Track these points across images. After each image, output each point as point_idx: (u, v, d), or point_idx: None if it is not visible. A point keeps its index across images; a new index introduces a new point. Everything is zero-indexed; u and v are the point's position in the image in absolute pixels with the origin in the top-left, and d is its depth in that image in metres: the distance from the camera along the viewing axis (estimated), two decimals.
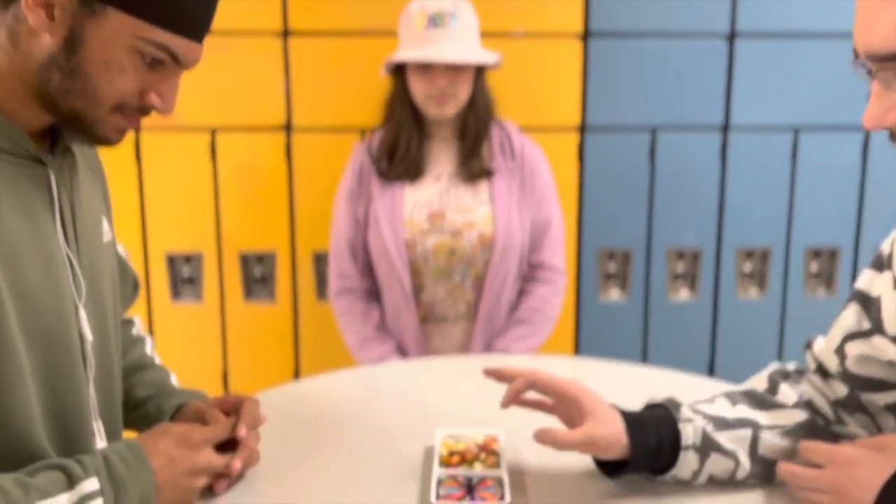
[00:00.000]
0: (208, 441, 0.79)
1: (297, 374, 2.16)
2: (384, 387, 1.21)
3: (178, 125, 2.02)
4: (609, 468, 0.84)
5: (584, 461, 0.90)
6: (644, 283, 2.15)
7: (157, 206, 2.06)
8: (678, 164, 2.07)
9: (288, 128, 2.03)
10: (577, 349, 2.18)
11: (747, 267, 2.16)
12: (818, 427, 0.85)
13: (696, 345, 2.18)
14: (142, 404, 0.92)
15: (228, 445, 0.82)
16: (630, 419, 0.81)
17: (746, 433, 0.82)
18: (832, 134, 2.06)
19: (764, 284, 2.16)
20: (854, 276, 2.13)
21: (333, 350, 2.16)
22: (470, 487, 0.80)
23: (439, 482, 0.82)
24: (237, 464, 0.80)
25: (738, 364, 2.21)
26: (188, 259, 2.12)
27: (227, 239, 2.09)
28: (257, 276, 2.14)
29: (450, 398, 1.14)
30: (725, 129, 2.06)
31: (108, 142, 0.75)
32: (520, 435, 0.97)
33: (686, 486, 0.83)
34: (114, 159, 2.06)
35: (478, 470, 0.84)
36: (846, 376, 0.83)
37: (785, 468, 0.79)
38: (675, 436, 0.81)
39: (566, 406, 0.83)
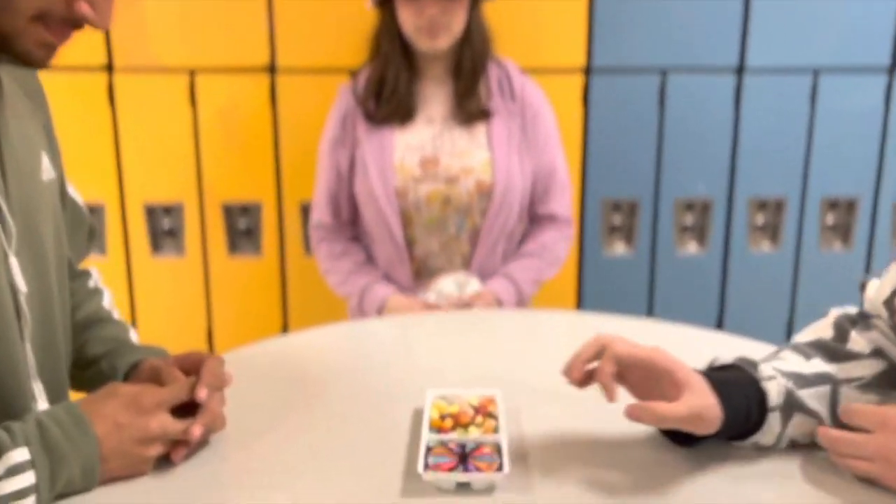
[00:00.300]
0: (162, 404, 0.69)
1: (285, 331, 2.06)
2: (373, 342, 1.11)
3: (155, 66, 1.89)
4: (682, 438, 0.73)
5: (589, 426, 0.80)
6: (651, 235, 2.03)
7: (134, 153, 1.93)
8: (689, 108, 1.95)
9: (272, 69, 1.90)
10: (580, 305, 2.08)
11: (760, 219, 2.04)
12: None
13: (705, 301, 2.08)
14: (95, 362, 0.82)
15: (190, 409, 0.72)
16: (716, 384, 0.70)
17: (826, 390, 0.73)
18: (854, 76, 1.94)
19: (777, 237, 2.05)
20: (873, 229, 2.02)
21: (323, 306, 2.06)
22: (463, 455, 0.70)
23: (428, 449, 0.71)
24: (196, 430, 0.69)
25: (748, 320, 2.12)
26: (168, 210, 2.00)
27: (208, 189, 1.97)
28: (242, 228, 2.03)
29: (443, 356, 1.03)
30: (740, 70, 1.93)
31: (32, 60, 0.63)
32: (520, 396, 0.87)
33: (765, 451, 0.74)
34: (85, 102, 1.94)
35: (472, 435, 0.74)
36: None
37: (825, 433, 0.70)
38: (760, 397, 0.71)
39: (652, 378, 0.72)
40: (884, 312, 0.75)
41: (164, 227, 2.01)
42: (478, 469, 0.68)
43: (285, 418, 0.82)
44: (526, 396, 0.88)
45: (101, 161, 1.93)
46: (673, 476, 0.70)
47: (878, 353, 0.76)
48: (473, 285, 1.42)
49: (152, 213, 1.99)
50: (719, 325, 2.08)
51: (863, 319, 0.78)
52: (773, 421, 0.71)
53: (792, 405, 0.72)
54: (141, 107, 1.91)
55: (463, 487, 0.67)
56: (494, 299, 1.40)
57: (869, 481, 0.68)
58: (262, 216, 2.01)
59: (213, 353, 0.80)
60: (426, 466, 0.68)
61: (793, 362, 0.75)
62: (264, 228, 2.02)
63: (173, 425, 0.69)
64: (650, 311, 2.07)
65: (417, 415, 0.82)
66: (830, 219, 2.05)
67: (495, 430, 0.76)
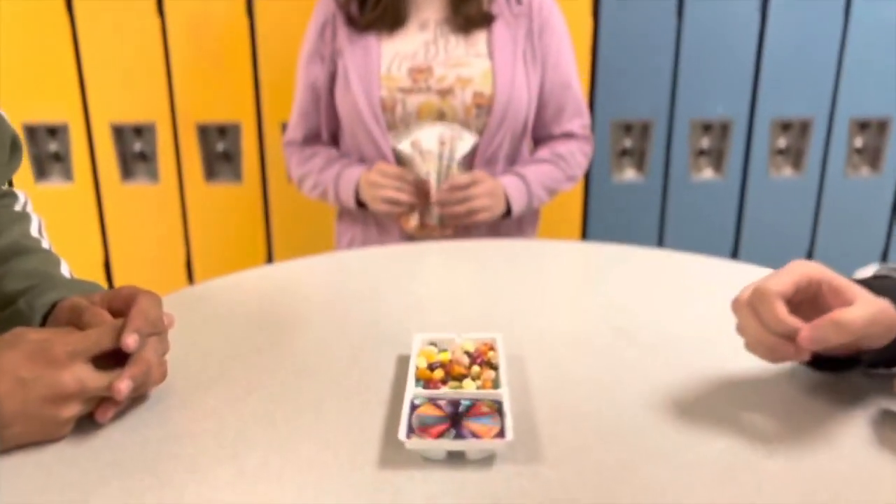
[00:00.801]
0: (78, 352, 0.55)
1: (270, 264, 1.92)
2: (355, 276, 0.97)
3: None
4: (830, 365, 0.62)
5: (606, 376, 0.66)
6: (664, 160, 1.88)
7: (97, 67, 1.75)
8: (710, 20, 1.76)
9: None
10: (585, 235, 1.94)
11: (782, 142, 1.88)
12: None
13: (720, 230, 1.93)
14: (12, 301, 0.68)
15: (123, 359, 0.58)
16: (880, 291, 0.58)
17: None
18: None
19: (800, 161, 1.89)
20: None
21: (309, 235, 1.92)
22: (456, 416, 0.57)
23: (413, 408, 0.58)
24: (122, 385, 0.56)
25: (766, 251, 1.98)
26: (138, 131, 1.84)
27: (181, 108, 1.80)
28: (219, 151, 1.87)
29: (434, 292, 0.90)
30: None
31: None
32: (524, 341, 0.73)
33: None
34: (41, 13, 1.74)
35: (468, 391, 0.61)
36: None
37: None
38: None
39: (811, 301, 0.59)
40: None
41: (134, 150, 1.85)
42: (474, 434, 0.55)
43: (243, 368, 0.69)
44: (530, 341, 0.74)
45: (61, 76, 1.76)
46: (706, 439, 0.56)
47: None
48: (465, 143, 1.24)
49: (121, 133, 1.83)
50: (734, 255, 1.95)
51: None
52: None
53: None
54: (103, 17, 1.73)
55: (455, 457, 0.54)
56: (499, 187, 1.25)
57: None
58: (242, 138, 1.84)
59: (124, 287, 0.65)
60: (410, 431, 0.55)
61: None
62: (244, 152, 1.86)
63: (94, 380, 0.55)
64: (660, 242, 1.93)
65: (402, 363, 0.69)
66: (859, 141, 1.89)
67: (495, 383, 0.62)
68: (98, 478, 0.52)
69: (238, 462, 0.54)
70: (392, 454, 0.55)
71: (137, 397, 0.61)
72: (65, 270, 0.74)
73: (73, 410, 0.55)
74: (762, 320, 0.57)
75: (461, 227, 1.27)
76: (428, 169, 1.23)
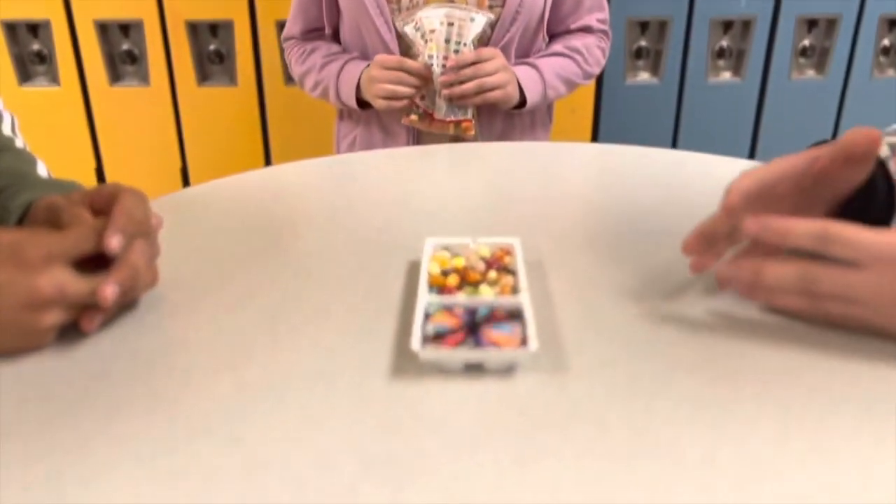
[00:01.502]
0: (55, 255, 0.50)
1: None
2: (362, 178, 0.91)
3: None
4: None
5: (632, 281, 0.62)
6: (680, 60, 1.78)
7: None
8: None
9: None
10: (595, 139, 1.87)
11: (807, 41, 1.78)
12: None
13: (737, 135, 1.86)
14: None
15: (108, 263, 0.53)
16: None
17: None
18: None
19: (825, 62, 1.80)
20: None
21: (309, 141, 1.84)
22: (473, 325, 0.52)
23: (427, 316, 0.53)
24: (107, 290, 0.51)
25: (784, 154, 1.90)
26: (125, 29, 1.73)
27: (169, 3, 1.69)
28: (211, 51, 1.77)
29: (445, 195, 0.84)
30: None
31: None
32: (541, 245, 0.68)
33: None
34: None
35: (485, 297, 0.56)
36: None
37: (810, 270, 0.52)
38: None
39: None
40: None
41: (122, 50, 1.75)
42: (493, 344, 0.50)
43: (241, 274, 0.64)
44: (549, 245, 0.69)
45: None
46: (742, 346, 0.52)
47: None
48: (476, 23, 1.13)
49: (106, 31, 1.73)
50: (751, 158, 1.88)
51: None
52: None
53: None
54: None
55: (473, 368, 0.50)
56: (509, 71, 1.17)
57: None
58: (234, 37, 1.74)
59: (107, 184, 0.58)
60: (424, 340, 0.50)
61: None
62: (238, 52, 1.76)
63: (74, 284, 0.50)
64: (674, 145, 1.86)
65: (413, 270, 0.64)
66: (887, 40, 1.79)
67: (514, 289, 0.57)
68: (85, 390, 0.48)
69: (237, 374, 0.50)
70: (405, 365, 0.50)
71: (126, 305, 0.57)
72: (41, 170, 0.68)
73: (52, 318, 0.50)
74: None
75: (469, 122, 1.19)
76: (432, 53, 1.13)
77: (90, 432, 0.44)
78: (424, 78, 1.14)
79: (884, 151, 0.60)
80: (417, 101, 1.18)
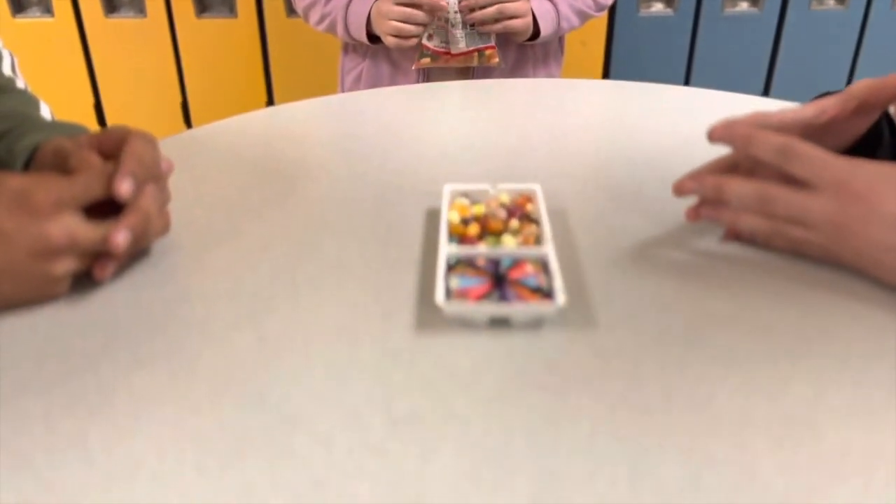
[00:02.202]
0: (64, 201, 0.48)
1: (270, 105, 1.81)
2: (372, 120, 0.88)
3: None
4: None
5: (661, 226, 0.60)
6: None
7: None
8: None
9: None
10: (607, 75, 1.82)
11: None
12: None
13: (753, 68, 1.81)
14: None
15: (118, 210, 0.51)
16: None
17: None
18: None
19: None
20: None
21: (313, 76, 1.79)
22: (497, 277, 0.51)
23: (449, 268, 0.52)
24: (119, 237, 0.49)
25: (801, 88, 1.86)
26: None
27: None
28: None
29: (461, 138, 0.81)
30: None
31: None
32: (563, 191, 0.66)
33: None
34: None
35: (508, 247, 0.54)
36: None
37: (768, 190, 0.52)
38: None
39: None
40: None
41: None
42: (519, 297, 0.49)
43: (255, 221, 0.62)
44: (569, 190, 0.67)
45: None
46: (774, 299, 0.51)
47: None
48: None
49: None
50: (766, 93, 1.84)
51: None
52: None
53: None
54: None
55: (499, 322, 0.49)
56: (527, 2, 1.14)
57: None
58: None
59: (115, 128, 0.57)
60: (448, 293, 0.49)
61: None
62: None
63: (85, 231, 0.48)
64: (688, 81, 1.81)
65: (432, 218, 0.62)
66: None
67: (537, 239, 0.56)
68: (104, 345, 0.47)
69: (258, 328, 0.49)
70: (429, 319, 0.49)
71: (138, 253, 0.55)
72: (45, 112, 0.66)
73: (65, 266, 0.49)
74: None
75: (493, 48, 1.15)
76: None
77: (113, 389, 0.43)
78: (435, 11, 1.10)
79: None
80: (426, 42, 1.14)
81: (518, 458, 0.38)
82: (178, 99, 1.82)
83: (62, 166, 0.52)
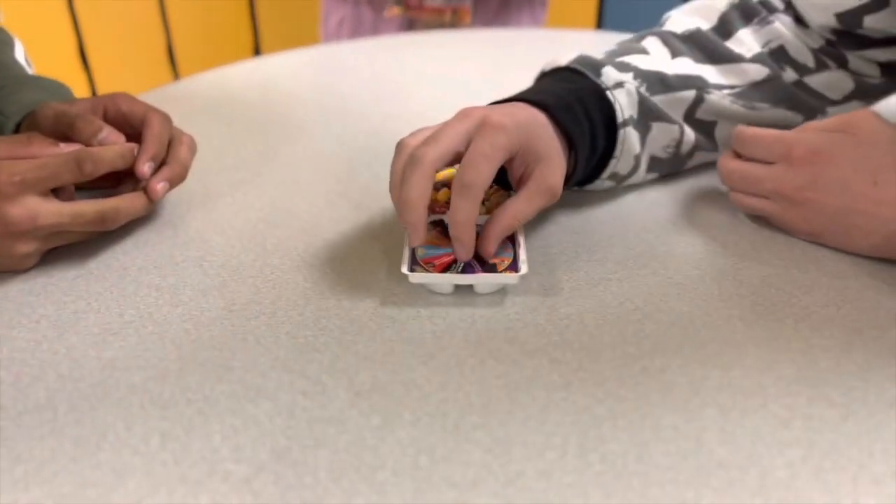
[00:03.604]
0: (27, 184, 0.47)
1: (257, 47, 1.79)
2: (353, 73, 0.87)
3: None
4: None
5: (630, 204, 0.60)
6: None
7: None
8: None
9: None
10: (600, 25, 1.79)
11: None
12: (782, 89, 0.61)
13: None
14: None
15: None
16: (556, 112, 0.52)
17: (689, 95, 0.59)
18: None
19: None
20: None
21: (299, 16, 1.76)
22: None
23: None
24: (157, 185, 0.54)
25: None
26: None
27: None
28: None
29: (441, 93, 0.81)
30: None
31: None
32: None
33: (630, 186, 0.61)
34: None
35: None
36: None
37: (724, 164, 0.55)
38: (608, 113, 0.56)
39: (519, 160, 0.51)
40: (827, 22, 0.59)
41: None
42: (483, 267, 0.49)
43: (229, 184, 0.63)
44: None
45: None
46: (742, 264, 0.52)
47: (763, 57, 0.61)
48: None
49: None
50: None
51: (763, 12, 0.62)
52: (629, 140, 0.56)
53: (647, 114, 0.57)
54: None
55: (463, 289, 0.49)
56: None
57: (762, 220, 0.56)
58: None
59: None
60: (414, 262, 0.50)
61: (657, 59, 0.60)
62: None
63: (48, 213, 0.48)
64: None
65: None
66: None
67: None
68: (73, 312, 0.48)
69: (226, 296, 0.50)
70: (394, 288, 0.50)
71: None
72: (19, 52, 0.65)
73: (27, 247, 0.49)
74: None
75: (466, 10, 1.14)
76: None
77: (82, 358, 0.44)
78: None
79: None
80: None
81: (471, 428, 0.39)
82: (164, 42, 1.79)
83: (65, 132, 0.52)
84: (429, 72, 0.88)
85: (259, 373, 0.43)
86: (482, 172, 0.46)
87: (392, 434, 0.39)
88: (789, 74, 0.61)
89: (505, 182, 0.56)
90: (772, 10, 0.63)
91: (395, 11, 1.15)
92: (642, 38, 0.63)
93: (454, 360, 0.44)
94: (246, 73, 0.88)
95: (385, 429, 0.39)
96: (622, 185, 0.61)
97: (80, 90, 1.78)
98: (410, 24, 1.20)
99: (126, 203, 0.52)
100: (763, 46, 0.62)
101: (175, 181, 0.55)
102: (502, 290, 0.49)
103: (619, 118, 0.56)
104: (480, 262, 0.50)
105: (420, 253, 0.51)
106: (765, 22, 0.62)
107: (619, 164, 0.58)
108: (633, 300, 0.49)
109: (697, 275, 0.51)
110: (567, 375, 0.43)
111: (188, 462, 0.38)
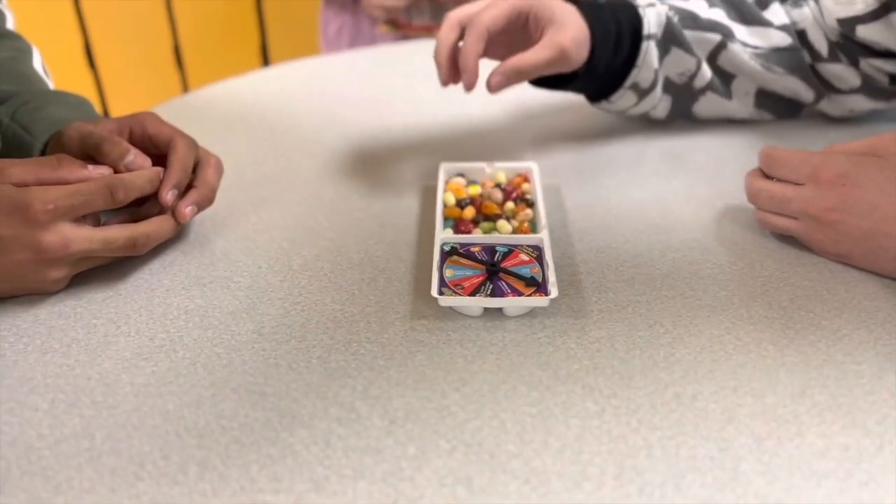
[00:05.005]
0: (60, 211, 0.47)
1: (264, 51, 1.78)
2: (366, 85, 0.87)
3: None
4: (554, 81, 0.66)
5: (656, 219, 0.60)
6: None
7: None
8: None
9: None
10: None
11: None
12: (799, 61, 0.67)
13: None
14: None
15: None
16: (585, 9, 0.62)
17: (714, 38, 0.66)
18: None
19: None
20: None
21: (306, 16, 1.76)
22: (492, 266, 0.51)
23: (444, 254, 0.52)
24: (185, 209, 0.54)
25: None
26: None
27: None
28: None
29: (457, 109, 0.80)
30: None
31: None
32: (561, 164, 0.66)
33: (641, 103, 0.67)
34: None
35: (504, 235, 0.55)
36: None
37: (753, 184, 0.56)
38: (636, 26, 0.63)
39: (518, 31, 0.61)
40: (834, 24, 0.65)
41: None
42: (512, 289, 0.49)
43: (250, 203, 0.63)
44: (565, 167, 0.67)
45: None
46: (766, 287, 0.52)
47: (790, 29, 0.67)
48: None
49: None
50: None
51: None
52: (650, 54, 0.63)
53: (670, 38, 0.64)
54: None
55: (493, 311, 0.49)
56: None
57: (789, 239, 0.56)
58: None
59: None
60: (443, 284, 0.50)
61: (694, 3, 0.67)
62: None
63: (80, 240, 0.47)
64: None
65: (428, 195, 0.62)
66: None
67: (533, 225, 0.56)
68: (104, 336, 0.48)
69: (255, 318, 0.50)
70: (424, 310, 0.50)
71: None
72: (37, 62, 0.65)
73: (59, 273, 0.49)
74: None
75: None
76: None
77: (115, 384, 0.44)
78: None
79: None
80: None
81: (507, 458, 0.39)
82: (171, 41, 1.78)
83: (91, 153, 0.52)
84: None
85: (292, 399, 0.43)
86: (490, 16, 0.58)
87: (428, 464, 0.39)
88: (805, 56, 0.67)
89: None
90: None
91: (384, 29, 1.17)
92: None
93: (487, 387, 0.44)
94: (257, 84, 0.88)
95: (421, 458, 0.39)
96: (640, 110, 0.68)
97: (86, 90, 1.77)
98: (406, 35, 1.20)
99: (155, 228, 0.52)
100: (790, 21, 0.67)
101: (203, 204, 0.55)
102: (531, 312, 0.49)
103: (645, 31, 0.63)
104: (509, 285, 0.50)
105: (448, 275, 0.51)
106: (797, 4, 0.68)
107: (640, 73, 0.64)
108: (662, 323, 0.49)
109: (726, 296, 0.51)
110: (601, 402, 0.43)
111: (227, 492, 0.38)
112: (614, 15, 0.62)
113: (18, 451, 0.40)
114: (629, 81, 0.65)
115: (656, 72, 0.65)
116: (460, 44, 0.59)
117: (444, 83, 0.60)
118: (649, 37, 0.63)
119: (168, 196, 0.52)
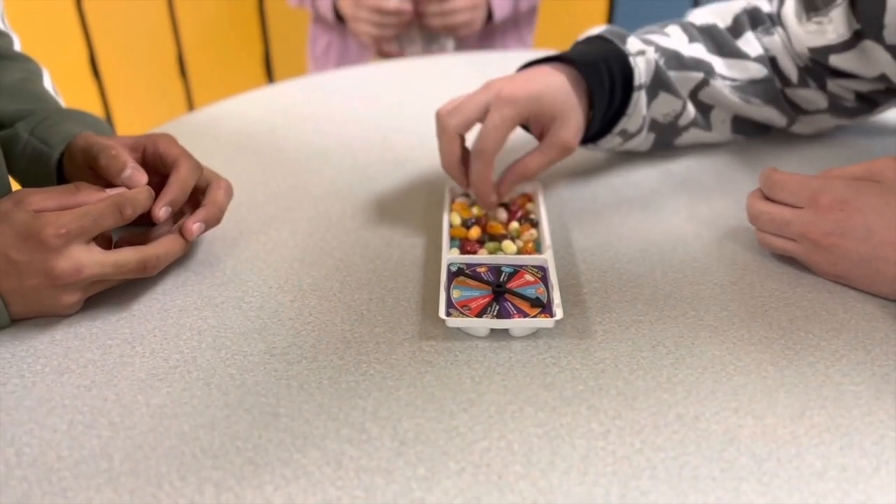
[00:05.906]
0: (72, 235, 0.48)
1: (266, 55, 1.79)
2: (369, 101, 0.88)
3: None
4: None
5: (657, 239, 0.61)
6: None
7: None
8: None
9: None
10: (611, 20, 1.79)
11: None
12: (774, 92, 0.69)
13: None
14: (4, 121, 0.61)
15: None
16: (582, 67, 0.61)
17: (697, 76, 0.67)
18: None
19: None
20: None
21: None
22: (498, 287, 0.52)
23: (451, 276, 0.53)
24: (193, 225, 0.55)
25: None
26: None
27: None
28: None
29: None
30: None
31: None
32: (566, 191, 0.68)
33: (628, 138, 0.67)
34: None
35: (509, 255, 0.56)
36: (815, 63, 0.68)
37: (752, 204, 0.57)
38: (626, 74, 0.63)
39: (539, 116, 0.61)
40: (804, 51, 0.67)
41: None
42: (518, 309, 0.51)
43: (260, 223, 0.64)
44: (567, 187, 0.68)
45: None
46: (766, 308, 0.53)
47: (764, 60, 0.69)
48: None
49: None
50: None
51: (768, 23, 0.69)
52: (640, 102, 0.64)
53: (658, 83, 0.65)
54: None
55: (499, 331, 0.51)
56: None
57: (789, 260, 0.57)
58: None
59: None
60: (450, 305, 0.51)
61: (676, 40, 0.68)
62: None
63: (92, 264, 0.49)
64: None
65: (433, 213, 0.64)
66: None
67: (537, 245, 0.57)
68: (119, 356, 0.49)
69: (266, 339, 0.51)
70: (431, 330, 0.51)
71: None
72: (47, 81, 0.67)
73: (72, 297, 0.50)
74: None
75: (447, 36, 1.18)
76: None
77: (132, 405, 0.46)
78: (401, 14, 1.13)
79: None
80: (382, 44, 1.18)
81: (515, 479, 0.40)
82: (174, 51, 1.80)
83: (91, 164, 0.54)
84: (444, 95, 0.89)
85: (304, 420, 0.44)
86: (493, 141, 0.58)
87: (438, 485, 0.40)
88: (776, 83, 0.69)
89: None
90: (774, 23, 0.69)
91: (376, 59, 1.20)
92: (665, 25, 0.70)
93: (494, 407, 0.45)
94: (261, 102, 0.89)
95: (431, 479, 0.41)
96: (624, 148, 0.69)
97: (90, 99, 1.79)
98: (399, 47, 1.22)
99: (165, 249, 0.53)
100: (763, 50, 0.69)
101: (210, 222, 0.56)
102: (537, 333, 0.50)
103: (637, 81, 0.63)
104: (515, 306, 0.51)
105: (456, 295, 0.52)
106: (767, 32, 0.69)
107: (629, 121, 0.64)
108: (665, 343, 0.50)
109: (727, 316, 0.52)
110: (606, 423, 0.44)
111: None
112: (608, 68, 0.62)
113: (39, 472, 0.41)
114: (618, 128, 0.65)
115: (644, 118, 0.65)
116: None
117: (466, 188, 0.61)
118: (640, 87, 0.63)
119: (161, 212, 0.53)
